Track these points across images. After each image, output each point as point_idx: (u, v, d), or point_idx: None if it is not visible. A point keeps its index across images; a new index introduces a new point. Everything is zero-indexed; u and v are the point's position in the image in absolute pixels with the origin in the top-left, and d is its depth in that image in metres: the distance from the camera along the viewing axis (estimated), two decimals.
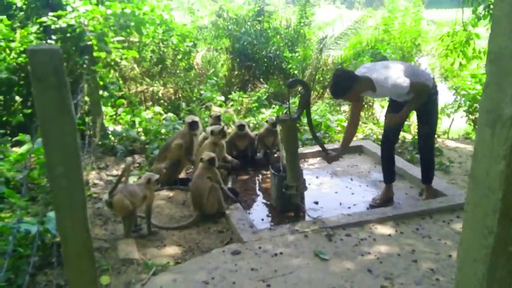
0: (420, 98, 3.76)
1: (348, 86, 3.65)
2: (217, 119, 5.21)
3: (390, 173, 4.31)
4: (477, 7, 6.58)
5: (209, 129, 4.61)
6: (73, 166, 2.09)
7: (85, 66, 5.63)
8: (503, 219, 1.64)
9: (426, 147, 4.14)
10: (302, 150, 5.41)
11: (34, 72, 1.94)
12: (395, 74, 3.66)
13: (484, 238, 1.70)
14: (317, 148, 5.66)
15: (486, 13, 6.62)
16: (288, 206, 4.05)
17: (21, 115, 5.75)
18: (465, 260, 1.82)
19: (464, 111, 8.25)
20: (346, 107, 9.68)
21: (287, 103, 4.21)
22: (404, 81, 3.60)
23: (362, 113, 9.06)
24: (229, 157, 4.66)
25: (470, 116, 8.12)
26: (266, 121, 5.34)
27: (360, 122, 7.70)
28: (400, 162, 4.97)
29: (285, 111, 6.78)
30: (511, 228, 1.66)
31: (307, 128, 6.53)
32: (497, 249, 1.68)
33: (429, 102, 3.88)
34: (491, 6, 6.55)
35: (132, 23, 6.61)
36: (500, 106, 1.56)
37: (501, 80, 1.55)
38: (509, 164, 1.57)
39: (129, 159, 3.91)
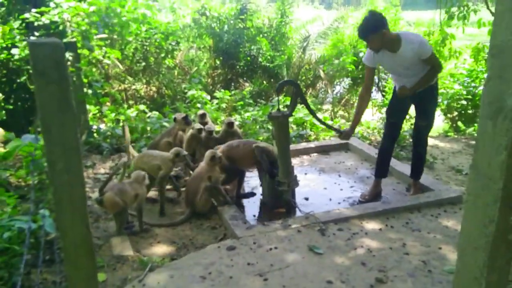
0: (435, 73, 3.83)
1: (377, 25, 3.62)
2: (202, 117, 5.21)
3: (384, 168, 4.34)
4: (450, 8, 6.75)
5: (196, 126, 4.63)
6: (74, 162, 2.08)
7: (69, 63, 5.54)
8: (504, 208, 1.69)
9: (422, 141, 4.18)
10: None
11: (35, 66, 1.91)
12: (422, 37, 3.78)
13: (485, 226, 1.75)
14: (304, 145, 5.74)
15: (460, 13, 6.80)
16: (279, 203, 4.07)
17: (3, 112, 5.63)
18: (465, 249, 1.87)
19: (441, 110, 8.43)
20: (329, 106, 9.80)
21: (277, 100, 4.23)
22: (428, 44, 3.72)
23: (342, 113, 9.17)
24: None
25: (448, 115, 8.32)
26: (224, 123, 5.07)
27: (344, 121, 7.82)
28: None
29: (270, 108, 6.82)
30: (511, 217, 1.73)
31: (293, 126, 6.58)
32: (498, 238, 1.73)
33: (432, 96, 3.96)
34: (465, 7, 6.74)
35: (115, 20, 6.56)
36: (503, 98, 1.61)
37: (503, 73, 1.60)
38: (510, 154, 1.63)
39: (123, 159, 3.88)
